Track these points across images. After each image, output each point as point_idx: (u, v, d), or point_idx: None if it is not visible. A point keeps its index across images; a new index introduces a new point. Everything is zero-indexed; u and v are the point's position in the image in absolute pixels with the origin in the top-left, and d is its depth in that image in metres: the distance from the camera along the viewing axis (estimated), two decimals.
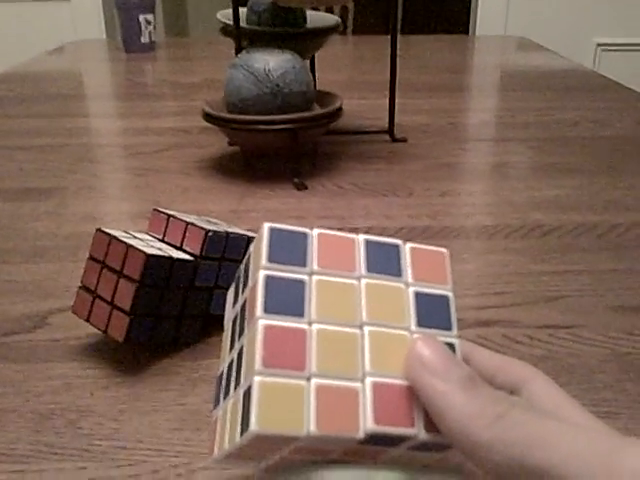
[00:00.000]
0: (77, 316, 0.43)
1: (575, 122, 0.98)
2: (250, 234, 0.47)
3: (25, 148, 0.88)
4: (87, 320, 0.43)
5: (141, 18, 1.49)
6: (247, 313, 0.25)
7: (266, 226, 0.25)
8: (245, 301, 0.25)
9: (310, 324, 0.23)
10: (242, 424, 0.22)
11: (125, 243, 0.41)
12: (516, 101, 1.11)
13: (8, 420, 0.39)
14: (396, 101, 0.87)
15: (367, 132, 0.92)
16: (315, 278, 0.24)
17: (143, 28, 1.51)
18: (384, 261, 0.25)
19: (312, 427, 0.21)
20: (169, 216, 0.46)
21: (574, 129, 0.95)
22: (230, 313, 0.28)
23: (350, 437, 0.22)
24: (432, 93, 1.17)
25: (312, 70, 0.94)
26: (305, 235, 0.25)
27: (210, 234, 0.44)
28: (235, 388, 0.24)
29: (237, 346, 0.25)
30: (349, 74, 1.36)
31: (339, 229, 0.63)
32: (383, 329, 0.24)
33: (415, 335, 0.24)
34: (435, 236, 0.61)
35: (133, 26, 1.51)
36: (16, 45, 2.33)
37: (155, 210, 0.47)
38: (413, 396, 0.23)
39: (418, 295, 0.25)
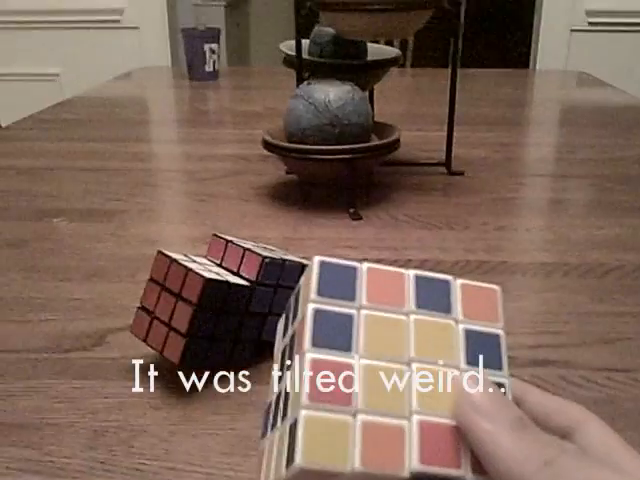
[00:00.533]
0: (135, 336, 0.44)
1: (637, 159, 0.96)
2: (305, 262, 0.47)
3: (90, 170, 0.92)
4: (144, 340, 0.44)
5: (206, 47, 1.54)
6: (295, 345, 0.25)
7: (316, 259, 0.25)
8: (294, 333, 0.25)
9: (358, 359, 0.23)
10: (288, 457, 0.22)
11: (185, 266, 0.42)
12: (576, 137, 1.10)
13: (64, 435, 0.40)
14: (454, 134, 0.87)
15: (424, 164, 0.92)
16: (364, 313, 0.24)
17: (207, 57, 1.56)
18: (434, 297, 0.25)
19: (357, 463, 0.21)
20: (227, 241, 0.47)
21: (636, 167, 0.93)
22: (280, 344, 0.28)
23: (395, 475, 0.21)
24: (490, 127, 1.17)
25: (371, 101, 0.95)
26: (355, 269, 0.25)
27: (267, 261, 0.44)
28: (282, 420, 0.24)
29: (285, 378, 0.25)
30: (407, 106, 1.37)
31: (393, 261, 0.63)
32: (431, 366, 0.24)
33: (464, 374, 0.24)
34: (491, 271, 0.61)
35: (198, 55, 1.55)
36: (85, 71, 2.43)
37: (215, 235, 0.48)
38: (460, 436, 0.22)
39: (468, 333, 0.25)
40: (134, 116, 1.26)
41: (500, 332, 0.25)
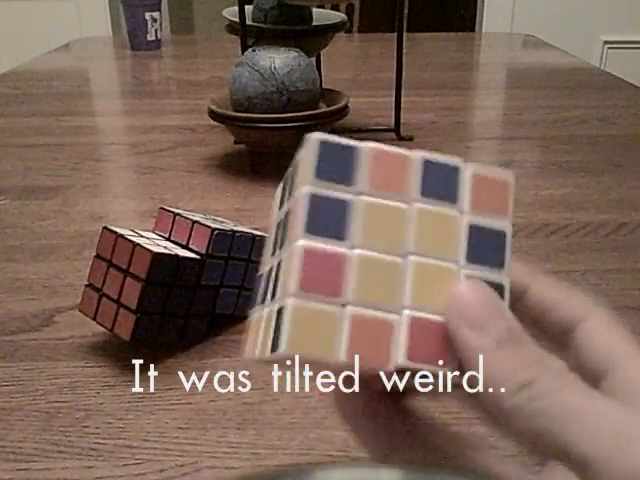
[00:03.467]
0: (84, 315, 0.43)
1: (582, 120, 0.98)
2: (256, 233, 0.47)
3: (31, 146, 0.88)
4: (94, 319, 0.43)
5: (147, 16, 1.49)
6: (288, 227, 0.23)
7: (314, 137, 0.23)
8: (288, 211, 0.24)
9: (351, 249, 0.22)
10: (273, 341, 0.21)
11: (132, 241, 0.41)
12: (523, 99, 1.11)
13: (15, 419, 0.39)
14: (402, 99, 0.87)
15: (373, 130, 0.92)
16: (362, 199, 0.22)
17: (149, 26, 1.51)
18: (440, 184, 0.23)
19: (342, 356, 0.20)
20: (175, 214, 0.46)
21: (581, 127, 0.95)
22: (276, 215, 0.27)
23: (380, 370, 0.21)
24: (438, 91, 1.17)
25: (318, 68, 0.94)
26: (356, 150, 0.23)
27: (216, 233, 0.44)
28: (272, 297, 0.23)
29: (277, 255, 0.24)
30: (355, 72, 1.36)
31: None
32: (429, 260, 0.22)
33: (462, 271, 0.22)
34: None
35: (139, 24, 1.51)
36: (23, 43, 2.34)
37: (161, 209, 0.47)
38: (449, 335, 0.21)
39: (472, 227, 0.23)
40: (75, 89, 1.22)
41: (507, 228, 0.24)
